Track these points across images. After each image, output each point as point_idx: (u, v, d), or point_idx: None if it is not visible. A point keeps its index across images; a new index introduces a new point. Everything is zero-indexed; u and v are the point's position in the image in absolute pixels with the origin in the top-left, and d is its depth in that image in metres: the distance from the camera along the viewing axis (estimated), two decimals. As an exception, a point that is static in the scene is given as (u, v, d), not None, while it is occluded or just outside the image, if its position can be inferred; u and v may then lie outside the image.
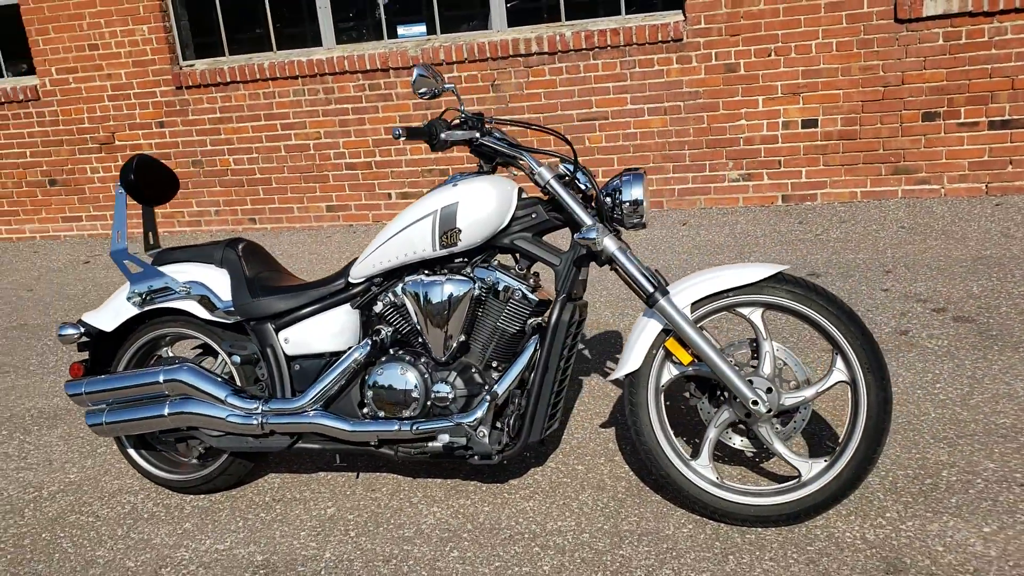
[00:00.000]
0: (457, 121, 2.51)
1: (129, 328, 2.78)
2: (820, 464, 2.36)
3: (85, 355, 4.20)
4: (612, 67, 5.47)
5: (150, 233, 2.87)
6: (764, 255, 4.55)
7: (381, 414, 2.53)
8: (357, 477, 2.77)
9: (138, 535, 2.59)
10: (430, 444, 2.48)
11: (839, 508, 2.37)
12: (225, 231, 6.42)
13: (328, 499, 2.68)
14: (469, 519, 2.50)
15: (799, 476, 2.39)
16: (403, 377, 2.49)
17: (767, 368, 2.37)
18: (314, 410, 2.55)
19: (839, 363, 2.35)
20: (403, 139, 2.38)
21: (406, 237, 2.49)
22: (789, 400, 2.37)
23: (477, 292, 2.46)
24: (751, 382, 2.35)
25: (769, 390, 2.34)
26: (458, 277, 2.47)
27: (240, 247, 2.74)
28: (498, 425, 2.44)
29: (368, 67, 5.81)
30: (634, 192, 2.45)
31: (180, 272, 2.71)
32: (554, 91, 5.60)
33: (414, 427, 2.45)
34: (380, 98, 5.88)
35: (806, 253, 4.53)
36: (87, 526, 2.67)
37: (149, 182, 2.72)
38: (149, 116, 6.30)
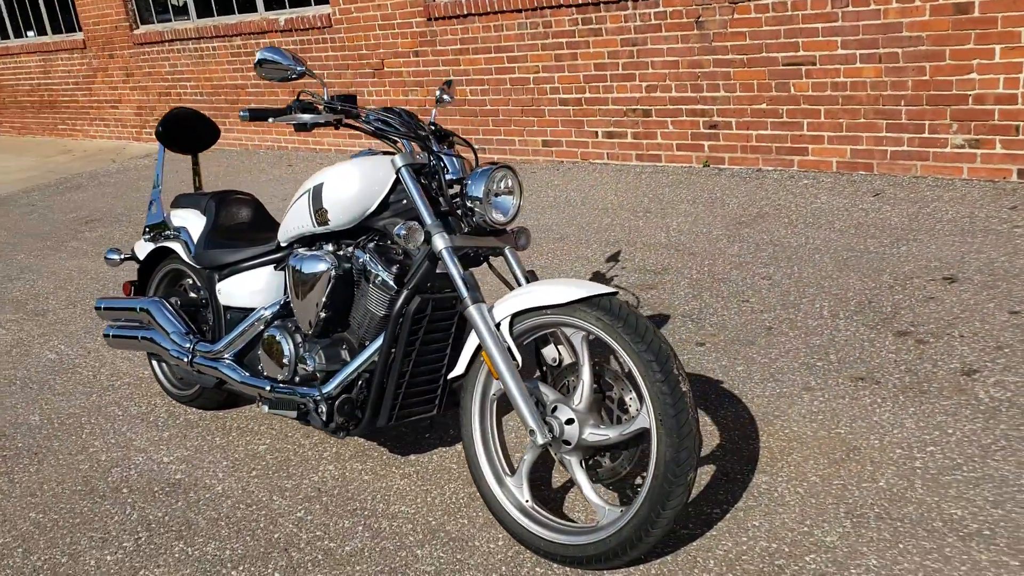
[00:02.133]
0: (319, 105, 2.53)
1: (159, 259, 3.37)
2: (616, 513, 2.21)
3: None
4: (822, 4, 4.82)
5: (196, 177, 3.42)
6: (964, 250, 3.87)
7: (265, 372, 2.84)
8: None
9: (122, 434, 3.26)
10: (288, 408, 2.75)
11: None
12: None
13: (268, 439, 3.09)
14: (339, 484, 2.76)
15: (596, 520, 2.26)
16: (279, 343, 2.77)
17: (578, 397, 2.24)
18: (227, 357, 2.93)
19: (644, 407, 2.14)
20: (247, 119, 2.48)
21: (297, 209, 2.71)
22: (591, 438, 2.22)
23: (338, 272, 2.60)
24: (555, 408, 2.24)
25: (570, 421, 2.22)
26: (319, 254, 2.63)
27: (222, 199, 3.15)
28: (346, 404, 2.60)
29: (580, 1, 5.78)
30: (475, 188, 2.39)
31: (178, 217, 3.22)
32: (759, 31, 5.11)
33: (274, 389, 2.72)
34: (591, 32, 5.83)
35: None
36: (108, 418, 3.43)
37: (178, 136, 3.22)
38: (408, 46, 6.95)
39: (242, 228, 3.15)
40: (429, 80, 6.90)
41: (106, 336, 3.36)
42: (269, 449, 3.02)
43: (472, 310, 2.29)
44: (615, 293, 2.23)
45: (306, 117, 2.49)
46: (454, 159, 2.50)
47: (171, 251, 3.29)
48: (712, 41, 5.32)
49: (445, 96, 2.89)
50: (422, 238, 2.39)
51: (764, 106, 5.25)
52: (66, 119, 11.08)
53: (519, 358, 2.30)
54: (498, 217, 2.43)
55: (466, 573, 2.28)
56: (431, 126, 2.77)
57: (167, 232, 3.19)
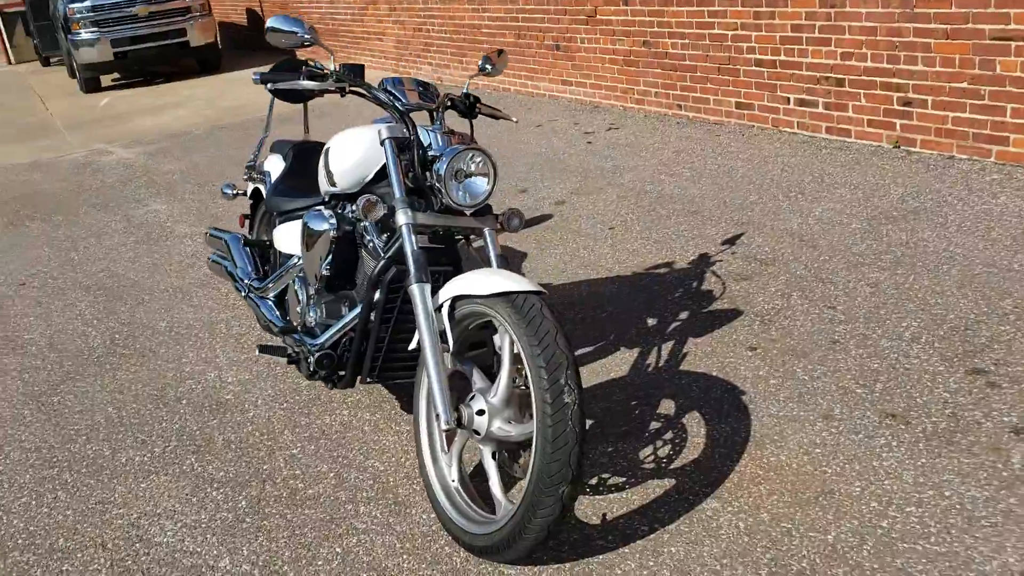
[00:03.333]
0: (328, 72, 2.64)
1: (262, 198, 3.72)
2: (510, 509, 2.22)
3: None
4: (1041, -30, 4.10)
5: (305, 124, 3.72)
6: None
7: (289, 317, 3.08)
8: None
9: (212, 350, 3.70)
10: (279, 354, 2.98)
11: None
12: (658, 113, 6.76)
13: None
14: (340, 430, 3.00)
15: (496, 514, 2.28)
16: (295, 292, 3.01)
17: (495, 390, 2.26)
18: (268, 297, 3.22)
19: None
20: (257, 82, 2.67)
21: (320, 167, 2.89)
22: (498, 432, 2.24)
23: (338, 233, 2.73)
24: (472, 397, 2.28)
25: (481, 412, 2.25)
26: (325, 214, 2.75)
27: (299, 149, 3.41)
28: (325, 359, 2.77)
29: (783, -44, 5.35)
30: (440, 167, 2.44)
31: (268, 161, 3.54)
32: (967, -2, 4.45)
33: (282, 334, 2.96)
34: (793, -9, 5.39)
35: None
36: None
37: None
38: (619, -6, 6.84)
39: (310, 177, 3.41)
40: (635, 31, 6.77)
41: (208, 261, 3.82)
42: (310, 386, 3.32)
43: (413, 288, 2.37)
44: (539, 293, 2.21)
45: (311, 84, 2.62)
46: (439, 135, 2.54)
47: None
48: (914, 7, 4.73)
49: (488, 66, 2.92)
50: (380, 213, 2.49)
51: (965, 85, 4.61)
52: (344, 47, 12.13)
53: (450, 341, 2.36)
54: (459, 198, 2.45)
55: (386, 537, 2.43)
56: (463, 96, 2.82)
57: (256, 175, 3.54)
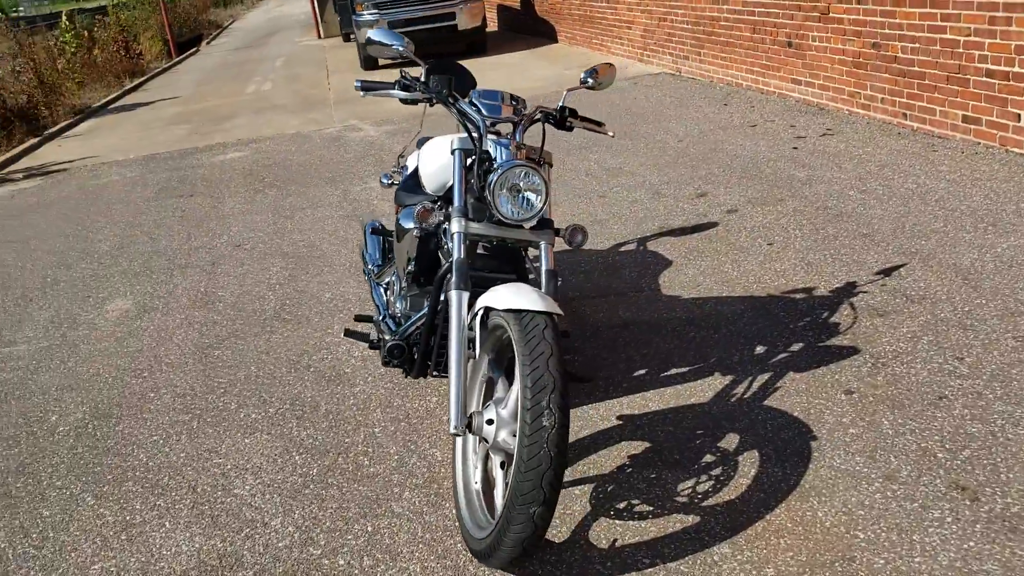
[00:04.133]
0: (422, 82, 2.81)
1: None
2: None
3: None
4: None
5: (422, 122, 3.94)
6: None
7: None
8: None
9: (343, 323, 4.01)
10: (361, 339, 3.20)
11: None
12: (882, 121, 6.26)
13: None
14: (407, 417, 3.21)
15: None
16: (393, 283, 3.20)
17: (506, 402, 2.34)
18: (381, 284, 3.46)
19: None
20: (358, 89, 2.86)
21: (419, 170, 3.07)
22: (504, 444, 2.31)
23: (419, 233, 2.87)
24: (487, 405, 2.37)
25: (490, 422, 2.34)
26: (412, 214, 2.91)
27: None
28: (395, 349, 2.92)
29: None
30: (491, 181, 2.53)
31: (410, 157, 3.73)
32: None
33: (381, 318, 3.19)
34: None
35: None
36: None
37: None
38: (854, -10, 6.38)
39: None
40: (865, 31, 6.31)
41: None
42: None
43: (452, 295, 2.50)
44: (549, 314, 2.26)
45: (401, 94, 2.82)
46: (502, 149, 2.63)
47: None
48: None
49: (590, 79, 2.95)
50: (436, 220, 2.62)
51: None
52: (598, 34, 12.29)
53: (477, 349, 2.46)
54: (507, 211, 2.53)
55: (414, 525, 2.61)
56: (557, 109, 2.88)
57: (396, 169, 3.80)
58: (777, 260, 4.15)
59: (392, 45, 2.79)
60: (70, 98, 14.53)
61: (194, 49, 24.52)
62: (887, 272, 3.85)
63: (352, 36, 19.51)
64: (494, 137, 2.72)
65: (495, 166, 2.58)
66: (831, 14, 6.76)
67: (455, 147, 2.70)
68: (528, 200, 2.56)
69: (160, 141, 9.97)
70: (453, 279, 2.52)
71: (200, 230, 6.03)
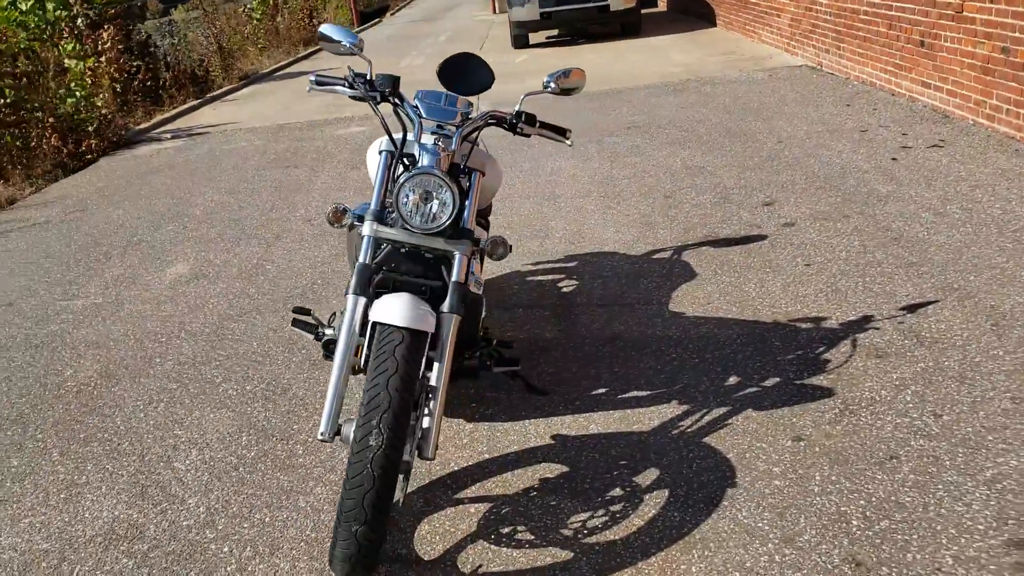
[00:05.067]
0: (367, 80, 2.75)
1: None
2: None
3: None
4: None
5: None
6: None
7: None
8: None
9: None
10: None
11: None
12: (1006, 135, 5.64)
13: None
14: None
15: None
16: None
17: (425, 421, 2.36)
18: None
19: None
20: (312, 82, 2.83)
21: None
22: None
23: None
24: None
25: None
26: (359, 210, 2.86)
27: None
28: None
29: None
30: (396, 188, 2.49)
31: None
32: None
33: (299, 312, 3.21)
34: None
35: None
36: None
37: (453, 76, 3.36)
38: (988, -12, 5.75)
39: None
40: (996, 33, 5.68)
41: None
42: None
43: (348, 299, 2.50)
44: (409, 330, 2.21)
45: (347, 91, 2.76)
46: (427, 154, 2.56)
47: None
48: None
49: (552, 84, 2.84)
50: (348, 222, 2.60)
51: None
52: (751, 20, 11.75)
53: (361, 357, 2.44)
54: (410, 219, 2.49)
55: (314, 519, 2.64)
56: (514, 115, 2.78)
57: None
58: (804, 284, 3.87)
59: (340, 41, 2.78)
60: (245, 64, 15.48)
61: (377, 20, 25.44)
62: (912, 308, 3.50)
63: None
64: (428, 141, 2.68)
65: (408, 172, 2.55)
66: (965, 12, 6.15)
67: (382, 148, 2.69)
68: (433, 208, 2.51)
69: (297, 111, 10.45)
70: (352, 283, 2.52)
71: (284, 202, 6.30)
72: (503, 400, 3.20)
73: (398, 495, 2.42)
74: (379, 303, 2.37)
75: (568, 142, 2.95)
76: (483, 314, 2.99)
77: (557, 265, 4.48)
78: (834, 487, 2.51)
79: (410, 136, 2.72)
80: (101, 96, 10.69)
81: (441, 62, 3.49)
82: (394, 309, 2.29)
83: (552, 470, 2.76)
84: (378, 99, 2.77)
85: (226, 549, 2.56)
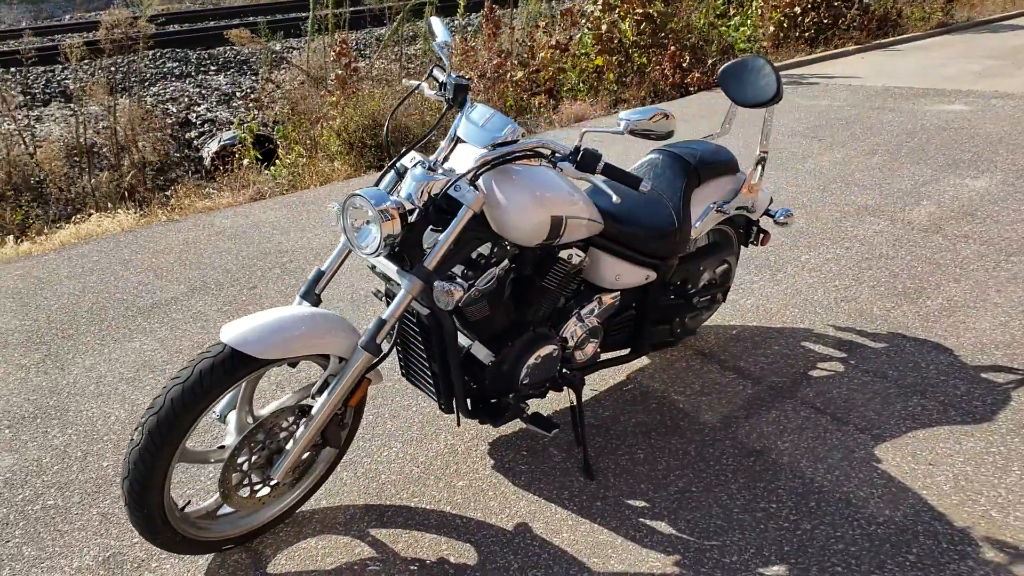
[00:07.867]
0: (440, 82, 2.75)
1: None
2: None
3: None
4: None
5: (725, 124, 3.42)
6: None
7: None
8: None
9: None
10: None
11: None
12: None
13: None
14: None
15: None
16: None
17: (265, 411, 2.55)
18: None
19: None
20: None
21: None
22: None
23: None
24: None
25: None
26: None
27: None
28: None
29: None
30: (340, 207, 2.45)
31: None
32: None
33: None
34: None
35: None
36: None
37: (732, 83, 3.18)
38: None
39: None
40: None
41: None
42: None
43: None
44: (239, 354, 2.29)
45: (428, 92, 2.76)
46: (410, 176, 2.48)
47: None
48: None
49: (622, 123, 2.41)
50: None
51: None
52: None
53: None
54: (356, 242, 2.43)
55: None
56: (568, 150, 2.46)
57: None
58: (814, 312, 3.69)
59: (434, 37, 2.78)
60: (967, 10, 13.73)
61: None
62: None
63: None
64: (420, 165, 2.51)
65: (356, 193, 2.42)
66: None
67: (414, 166, 2.52)
68: (364, 236, 2.41)
69: (932, 75, 9.28)
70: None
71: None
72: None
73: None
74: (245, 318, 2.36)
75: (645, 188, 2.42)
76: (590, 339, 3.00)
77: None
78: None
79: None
80: (763, 28, 10.97)
81: (726, 65, 3.24)
82: (247, 328, 2.30)
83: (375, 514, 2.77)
84: (448, 104, 2.71)
85: (29, 531, 2.73)
